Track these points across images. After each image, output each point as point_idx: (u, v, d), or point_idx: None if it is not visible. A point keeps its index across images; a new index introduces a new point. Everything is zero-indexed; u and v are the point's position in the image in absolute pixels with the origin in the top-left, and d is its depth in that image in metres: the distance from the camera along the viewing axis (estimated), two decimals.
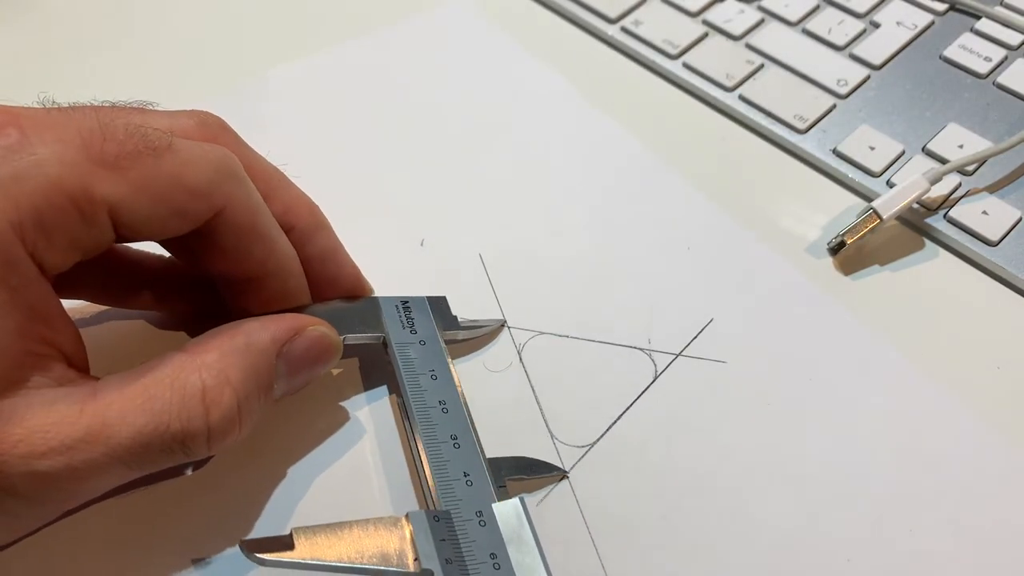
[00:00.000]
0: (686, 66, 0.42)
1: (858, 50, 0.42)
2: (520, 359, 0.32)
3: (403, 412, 0.29)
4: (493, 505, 0.26)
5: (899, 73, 0.41)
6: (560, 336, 0.32)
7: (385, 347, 0.30)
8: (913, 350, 0.32)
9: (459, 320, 0.32)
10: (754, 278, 0.34)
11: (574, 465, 0.29)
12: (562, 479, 0.29)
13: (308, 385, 0.28)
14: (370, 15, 0.44)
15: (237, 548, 0.25)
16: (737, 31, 0.42)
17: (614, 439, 0.30)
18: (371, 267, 0.31)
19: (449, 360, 0.30)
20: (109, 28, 0.43)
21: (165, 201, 0.24)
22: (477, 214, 0.36)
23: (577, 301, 0.33)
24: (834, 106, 0.40)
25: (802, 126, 0.39)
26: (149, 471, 0.24)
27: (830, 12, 0.43)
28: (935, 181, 0.35)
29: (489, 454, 0.28)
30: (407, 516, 0.25)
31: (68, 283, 0.26)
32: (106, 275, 0.29)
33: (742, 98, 0.40)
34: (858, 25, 0.43)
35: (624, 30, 0.43)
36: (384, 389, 0.31)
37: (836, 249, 0.35)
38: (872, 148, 0.38)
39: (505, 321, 0.33)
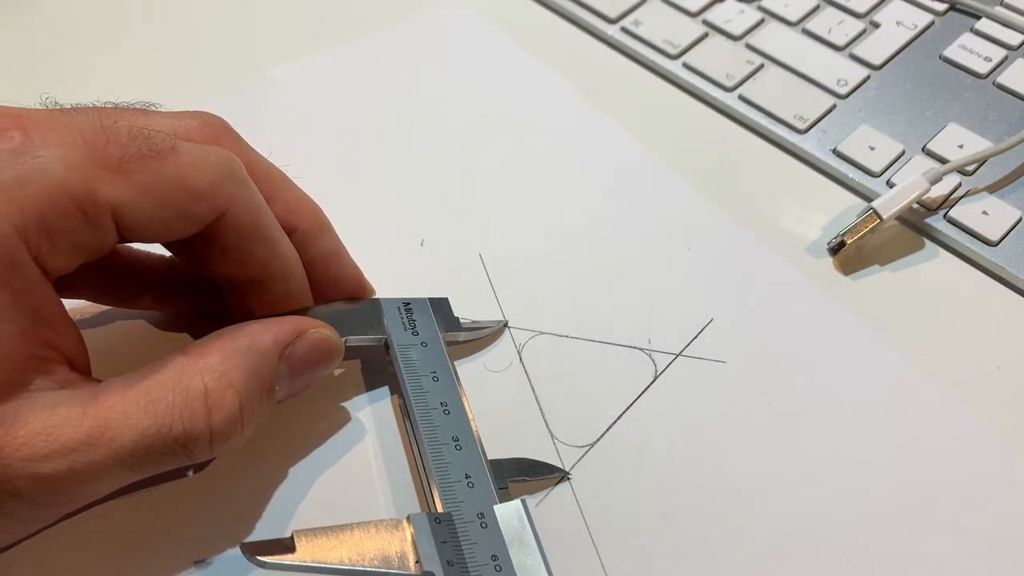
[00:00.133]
0: (686, 66, 0.42)
1: (858, 50, 0.42)
2: (520, 359, 0.32)
3: (405, 413, 0.29)
4: (495, 507, 0.26)
5: (899, 73, 0.41)
6: (560, 336, 0.33)
7: (387, 349, 0.30)
8: (913, 350, 0.32)
9: (461, 321, 0.32)
10: (754, 278, 0.34)
11: (574, 465, 0.29)
12: (563, 480, 0.29)
13: (310, 387, 0.28)
14: (370, 15, 0.44)
15: (238, 550, 0.25)
16: (737, 31, 0.43)
17: (614, 439, 0.30)
18: (371, 267, 0.31)
19: (451, 362, 0.30)
20: (109, 28, 0.43)
21: (168, 203, 0.24)
22: (477, 214, 0.36)
23: (577, 301, 0.34)
24: (834, 106, 0.40)
25: (802, 126, 0.39)
26: (151, 473, 0.24)
27: (830, 12, 0.43)
28: (935, 181, 0.35)
29: (489, 454, 0.28)
30: (408, 518, 0.26)
31: (70, 283, 0.26)
32: (108, 276, 0.29)
33: (742, 98, 0.40)
34: (858, 25, 0.43)
35: (624, 30, 0.43)
36: (386, 390, 0.31)
37: (836, 249, 0.35)
38: (872, 148, 0.38)
39: (507, 322, 0.33)
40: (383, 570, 0.24)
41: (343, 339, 0.28)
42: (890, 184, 0.37)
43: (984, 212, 0.35)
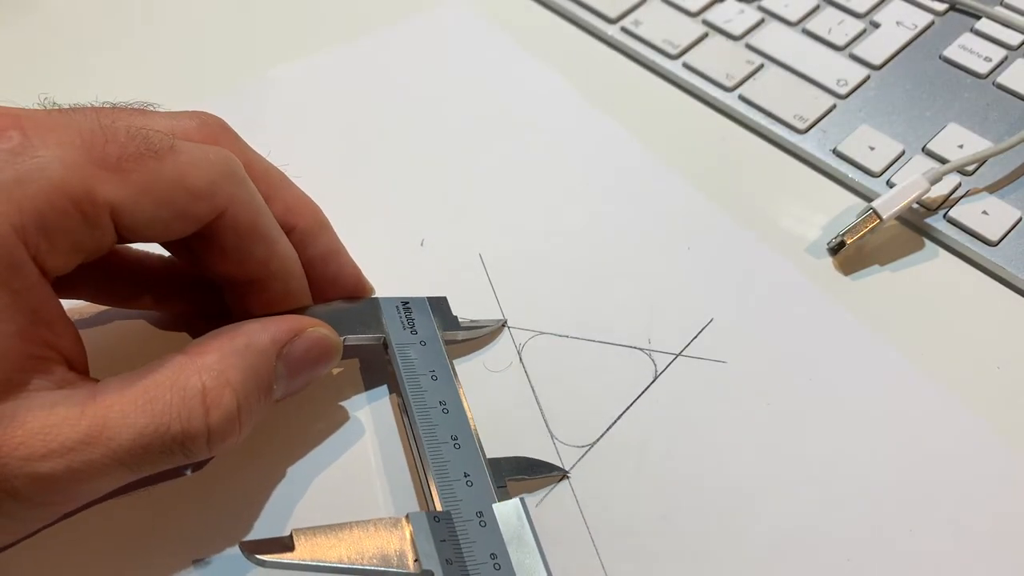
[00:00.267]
0: (686, 66, 0.42)
1: (858, 50, 0.42)
2: (520, 359, 0.32)
3: (403, 412, 0.29)
4: (493, 505, 0.26)
5: (899, 73, 0.41)
6: (560, 336, 0.33)
7: (385, 348, 0.30)
8: (913, 350, 0.32)
9: (459, 320, 0.32)
10: (754, 278, 0.34)
11: (574, 465, 0.29)
12: (562, 479, 0.29)
13: (308, 386, 0.28)
14: (370, 15, 0.44)
15: (237, 549, 0.25)
16: (737, 31, 0.42)
17: (614, 439, 0.30)
18: (371, 267, 0.31)
19: (449, 360, 0.30)
20: (109, 28, 0.43)
21: (167, 203, 0.24)
22: (477, 214, 0.36)
23: (577, 301, 0.34)
24: (834, 106, 0.40)
25: (802, 126, 0.39)
26: (149, 472, 0.24)
27: (830, 12, 0.43)
28: (935, 181, 0.35)
29: (489, 454, 0.28)
30: (407, 517, 0.26)
31: (69, 283, 0.26)
32: (107, 276, 0.29)
33: (742, 98, 0.40)
34: (858, 25, 0.43)
35: (624, 30, 0.43)
36: (384, 389, 0.31)
37: (836, 249, 0.35)
38: (872, 148, 0.38)
39: (505, 321, 0.33)
40: (382, 568, 0.25)
41: (342, 338, 0.28)
42: (890, 184, 0.37)
43: (984, 212, 0.35)
